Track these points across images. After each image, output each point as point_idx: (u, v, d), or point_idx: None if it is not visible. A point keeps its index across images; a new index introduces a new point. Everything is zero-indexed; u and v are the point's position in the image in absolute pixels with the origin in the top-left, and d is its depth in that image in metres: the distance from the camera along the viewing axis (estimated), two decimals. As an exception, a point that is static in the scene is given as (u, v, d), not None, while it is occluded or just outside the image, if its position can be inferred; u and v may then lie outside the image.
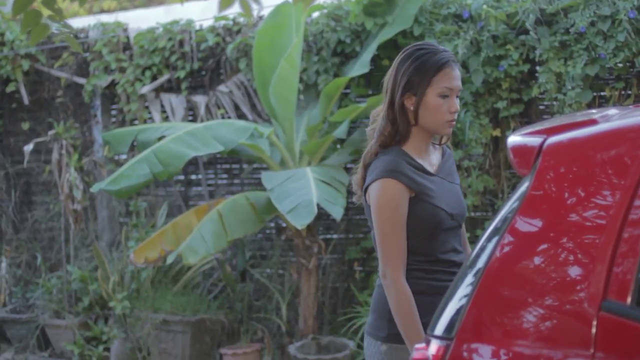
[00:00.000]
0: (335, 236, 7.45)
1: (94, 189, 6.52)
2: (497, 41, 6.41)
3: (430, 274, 3.30)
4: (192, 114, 7.93)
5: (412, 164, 3.29)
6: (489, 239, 2.53)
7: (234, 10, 2.70)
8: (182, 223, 6.83)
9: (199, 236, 6.19)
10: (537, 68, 6.35)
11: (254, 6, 2.73)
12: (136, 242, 7.51)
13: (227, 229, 6.32)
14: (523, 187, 2.50)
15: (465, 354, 2.43)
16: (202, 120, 7.53)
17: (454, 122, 3.34)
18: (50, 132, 8.09)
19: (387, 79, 3.38)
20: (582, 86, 6.05)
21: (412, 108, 3.29)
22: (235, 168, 8.03)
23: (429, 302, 3.26)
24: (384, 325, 3.32)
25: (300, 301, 6.92)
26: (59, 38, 7.97)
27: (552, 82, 6.15)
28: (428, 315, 3.26)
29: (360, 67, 6.67)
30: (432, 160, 3.42)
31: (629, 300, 2.23)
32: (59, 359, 7.87)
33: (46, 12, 3.47)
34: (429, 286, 3.29)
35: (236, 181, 8.02)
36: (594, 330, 2.24)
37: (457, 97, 3.33)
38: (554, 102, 6.26)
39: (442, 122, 3.29)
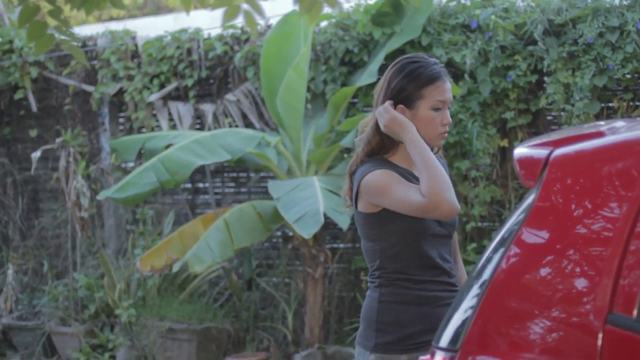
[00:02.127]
0: (341, 245, 7.44)
1: (101, 196, 6.53)
2: (505, 52, 6.41)
3: (417, 284, 3.29)
4: (199, 122, 7.93)
5: (398, 170, 3.29)
6: (495, 250, 2.52)
7: (242, 19, 2.72)
8: (189, 231, 6.83)
9: (206, 244, 6.19)
10: (545, 79, 6.35)
11: (258, 19, 2.73)
12: (143, 250, 7.50)
13: (234, 237, 6.31)
14: (529, 199, 2.49)
15: (470, 366, 2.42)
16: (209, 129, 7.52)
17: (446, 135, 3.35)
18: (58, 140, 8.10)
19: (378, 90, 3.38)
20: (590, 97, 6.05)
21: None
22: (242, 177, 8.02)
23: (416, 312, 3.28)
24: (372, 334, 3.32)
25: (307, 310, 6.91)
26: (66, 47, 7.99)
27: (560, 92, 6.15)
28: (415, 326, 3.27)
29: (368, 76, 6.67)
30: None
31: (635, 313, 2.21)
32: (64, 366, 7.88)
33: (52, 22, 3.47)
34: (416, 296, 3.29)
35: (243, 190, 8.01)
36: (599, 343, 2.23)
37: (448, 109, 3.33)
38: (562, 113, 6.25)
39: (434, 134, 3.30)
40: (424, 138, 3.29)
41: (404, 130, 3.23)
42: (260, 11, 2.73)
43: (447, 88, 3.31)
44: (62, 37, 3.57)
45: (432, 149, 3.46)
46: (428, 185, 3.09)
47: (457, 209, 3.10)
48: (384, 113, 3.28)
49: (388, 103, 3.29)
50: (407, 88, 3.28)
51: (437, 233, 3.31)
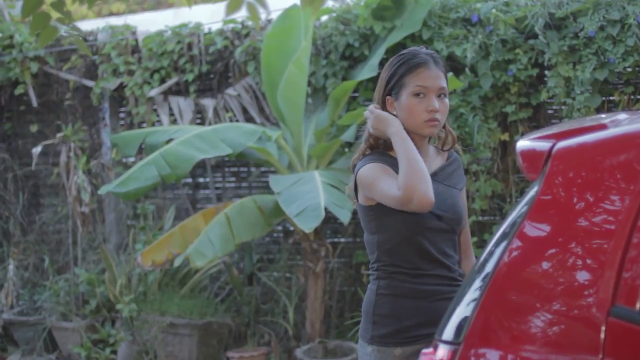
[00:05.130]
0: (342, 240, 7.44)
1: (102, 191, 6.52)
2: (506, 45, 6.40)
3: (414, 277, 3.29)
4: (200, 117, 7.93)
5: (395, 164, 3.27)
6: (497, 244, 2.52)
7: (243, 13, 2.71)
8: (190, 226, 6.83)
9: (207, 239, 6.19)
10: (546, 72, 6.34)
11: (261, 10, 2.73)
12: (144, 245, 7.50)
13: (235, 232, 6.31)
14: (532, 191, 2.49)
15: (473, 358, 2.42)
16: (210, 124, 7.52)
17: (435, 122, 3.29)
18: (59, 135, 8.10)
19: (377, 87, 3.47)
20: (590, 90, 6.03)
21: (394, 112, 3.31)
22: (243, 171, 8.02)
23: (412, 305, 3.29)
24: (369, 327, 3.36)
25: (308, 305, 6.91)
26: (68, 41, 7.97)
27: (560, 86, 6.14)
28: (410, 319, 3.28)
29: (368, 70, 6.66)
30: (426, 163, 3.37)
31: (638, 306, 2.21)
32: (66, 361, 7.89)
33: (55, 14, 3.47)
34: (413, 290, 3.29)
35: (244, 184, 8.01)
36: (602, 335, 2.23)
37: (442, 97, 3.31)
38: (563, 107, 6.24)
39: (419, 122, 3.28)
40: (410, 126, 3.29)
41: (387, 125, 3.28)
42: (263, 3, 2.72)
43: (430, 75, 3.29)
44: (65, 29, 3.56)
45: (443, 143, 3.47)
46: (402, 178, 3.10)
47: (429, 201, 3.07)
48: (369, 114, 3.36)
49: (372, 105, 3.38)
50: (391, 79, 3.34)
51: (435, 227, 3.31)
